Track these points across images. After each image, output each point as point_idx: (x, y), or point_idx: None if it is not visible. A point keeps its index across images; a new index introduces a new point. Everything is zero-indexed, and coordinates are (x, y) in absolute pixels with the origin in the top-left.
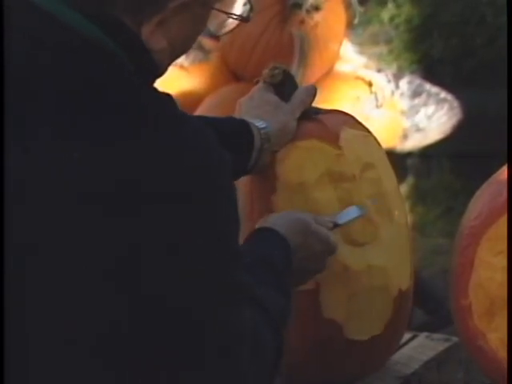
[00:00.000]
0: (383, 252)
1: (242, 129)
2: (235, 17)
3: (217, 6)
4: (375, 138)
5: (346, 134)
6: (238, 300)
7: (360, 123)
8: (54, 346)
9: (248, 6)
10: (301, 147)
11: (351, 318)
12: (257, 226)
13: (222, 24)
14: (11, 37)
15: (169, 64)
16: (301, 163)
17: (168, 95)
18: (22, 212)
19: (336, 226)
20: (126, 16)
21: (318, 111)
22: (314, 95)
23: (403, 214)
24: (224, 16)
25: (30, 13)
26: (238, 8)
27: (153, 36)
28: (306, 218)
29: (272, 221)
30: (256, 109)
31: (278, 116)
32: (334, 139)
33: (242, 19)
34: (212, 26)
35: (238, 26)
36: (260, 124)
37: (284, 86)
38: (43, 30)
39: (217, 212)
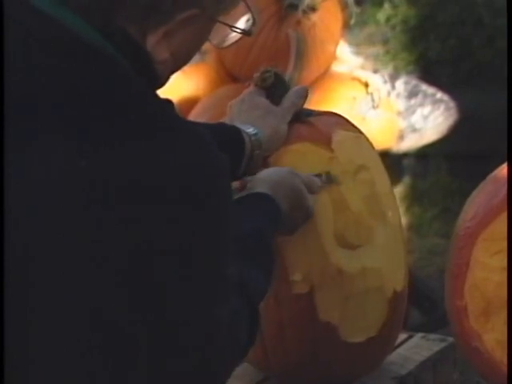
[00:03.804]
0: (378, 254)
1: (232, 135)
2: (239, 31)
3: (221, 19)
4: (367, 139)
5: (338, 136)
6: (220, 296)
7: (352, 124)
8: (59, 345)
9: (251, 22)
10: (294, 150)
11: (347, 320)
12: (250, 186)
13: (225, 37)
14: (11, 40)
15: (169, 75)
16: (294, 167)
17: (168, 100)
18: (25, 214)
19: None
20: (131, 25)
21: (310, 113)
22: (306, 97)
23: (397, 214)
24: (227, 29)
25: (32, 17)
26: (241, 23)
27: (158, 47)
28: (300, 186)
29: (267, 182)
30: (246, 112)
31: (269, 121)
32: (326, 142)
33: (245, 33)
34: (214, 38)
35: (240, 39)
36: (251, 130)
37: (275, 90)
38: (45, 34)
39: (213, 214)
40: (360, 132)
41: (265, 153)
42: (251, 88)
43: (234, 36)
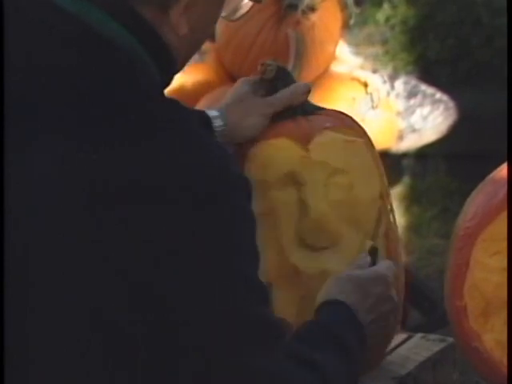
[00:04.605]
0: (343, 259)
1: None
2: None
3: None
4: (366, 143)
5: (323, 138)
6: (222, 297)
7: (351, 128)
8: (59, 345)
9: None
10: (270, 144)
11: (303, 318)
12: (319, 299)
13: (236, 8)
14: (17, 32)
15: (185, 58)
16: (267, 161)
17: (173, 99)
18: (25, 214)
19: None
20: (146, 7)
21: (317, 109)
22: (307, 94)
23: (380, 225)
24: (236, 1)
25: (44, 8)
26: None
27: (180, 20)
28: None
29: (336, 291)
30: (224, 99)
31: (239, 109)
32: (304, 141)
33: (255, 0)
34: (225, 11)
35: (250, 9)
36: (214, 114)
37: (278, 83)
38: (53, 24)
39: (214, 213)
40: (364, 135)
41: (227, 140)
42: (245, 77)
43: (245, 5)
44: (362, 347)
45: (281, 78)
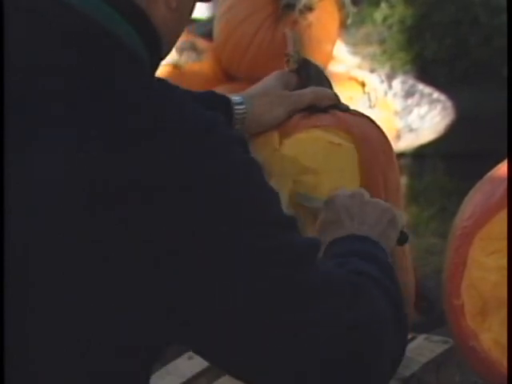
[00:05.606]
0: None
1: (221, 104)
2: None
3: None
4: (373, 150)
5: (304, 135)
6: (223, 295)
7: (350, 131)
8: (59, 345)
9: None
10: (261, 134)
11: None
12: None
13: None
14: (17, 29)
15: (169, 46)
16: (254, 149)
17: (166, 84)
18: (25, 214)
19: None
20: None
21: (337, 108)
22: (331, 100)
23: None
24: None
25: (46, 4)
26: None
27: None
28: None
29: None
30: (251, 88)
31: (263, 100)
32: (283, 135)
33: None
34: None
35: None
36: (237, 99)
37: (299, 73)
38: (54, 21)
39: (215, 213)
40: (373, 142)
41: (245, 128)
42: (280, 70)
43: None
44: (384, 255)
45: (304, 69)
